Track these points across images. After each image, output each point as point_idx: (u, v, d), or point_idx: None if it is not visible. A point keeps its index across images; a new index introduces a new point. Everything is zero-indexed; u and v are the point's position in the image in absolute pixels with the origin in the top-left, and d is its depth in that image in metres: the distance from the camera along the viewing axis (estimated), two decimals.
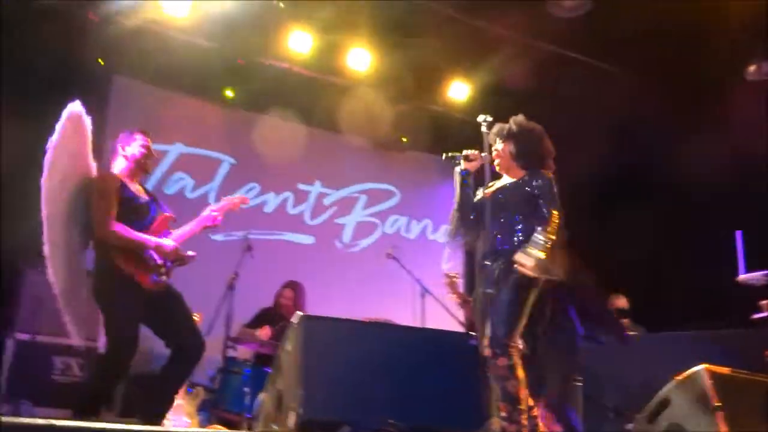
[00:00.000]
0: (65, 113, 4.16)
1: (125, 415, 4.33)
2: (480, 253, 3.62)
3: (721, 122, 6.14)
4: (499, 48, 6.20)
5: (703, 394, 3.18)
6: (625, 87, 6.39)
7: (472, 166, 3.75)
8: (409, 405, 2.48)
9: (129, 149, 4.15)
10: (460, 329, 6.24)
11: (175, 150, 6.89)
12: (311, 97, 7.05)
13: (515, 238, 3.51)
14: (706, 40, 5.62)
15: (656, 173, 6.96)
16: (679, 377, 3.33)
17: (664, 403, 3.32)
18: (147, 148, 4.19)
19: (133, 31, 6.07)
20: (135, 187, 4.16)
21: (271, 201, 7.34)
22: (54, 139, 4.03)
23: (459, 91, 7.00)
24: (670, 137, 6.61)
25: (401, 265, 5.51)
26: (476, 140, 3.74)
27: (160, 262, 3.95)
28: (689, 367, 3.32)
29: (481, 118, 4.06)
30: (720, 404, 3.10)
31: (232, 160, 7.18)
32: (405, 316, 5.87)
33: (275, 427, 2.61)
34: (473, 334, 2.80)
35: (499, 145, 3.73)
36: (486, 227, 3.59)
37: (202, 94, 6.96)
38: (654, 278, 6.74)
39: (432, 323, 5.92)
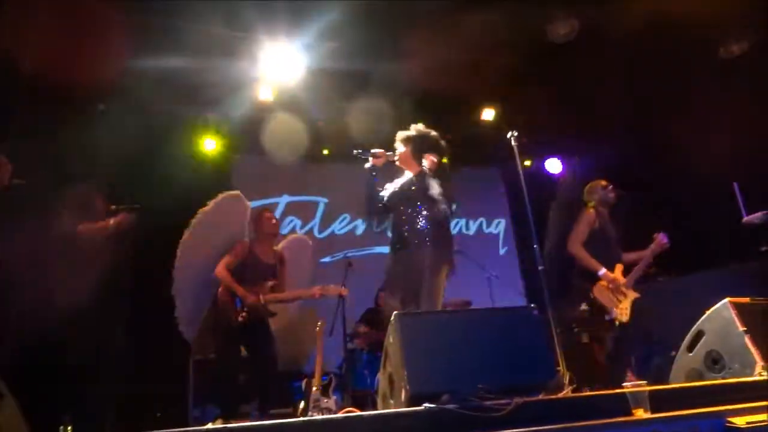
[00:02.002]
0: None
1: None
2: (394, 237, 3.56)
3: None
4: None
5: (731, 321, 3.00)
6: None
7: (379, 162, 3.67)
8: (493, 370, 2.43)
9: (261, 226, 4.57)
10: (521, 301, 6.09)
11: (284, 200, 7.04)
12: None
13: (419, 226, 3.44)
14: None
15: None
16: (709, 311, 3.15)
17: (700, 334, 3.14)
18: (271, 220, 4.61)
19: (239, 118, 6.29)
20: (260, 249, 4.54)
21: (360, 225, 7.38)
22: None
23: None
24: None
25: (470, 258, 5.42)
26: None
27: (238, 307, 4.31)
28: (717, 301, 3.14)
29: (510, 133, 3.99)
30: (745, 328, 2.93)
31: (326, 200, 7.27)
32: (477, 297, 5.80)
33: (392, 401, 2.56)
34: (534, 306, 2.69)
35: (401, 147, 3.65)
36: (396, 215, 3.54)
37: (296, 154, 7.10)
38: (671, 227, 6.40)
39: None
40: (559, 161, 7.75)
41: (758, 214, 4.53)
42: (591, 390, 3.67)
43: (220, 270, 4.36)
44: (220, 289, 4.42)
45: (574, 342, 5.21)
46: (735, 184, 4.67)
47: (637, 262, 4.44)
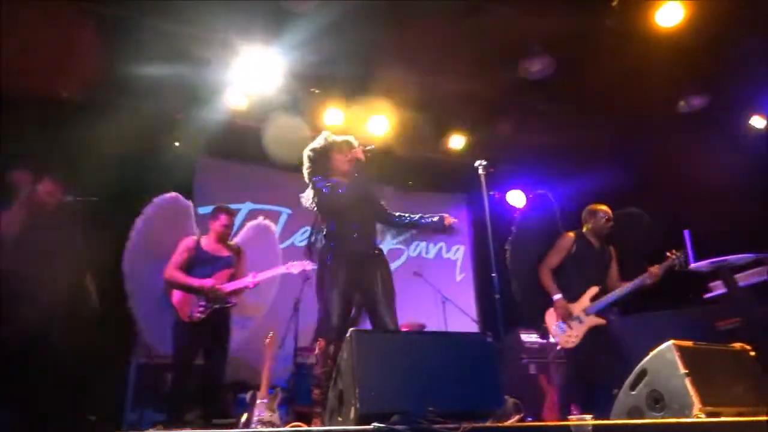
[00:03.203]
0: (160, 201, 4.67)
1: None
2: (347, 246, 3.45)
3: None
4: None
5: (673, 363, 3.10)
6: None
7: None
8: (443, 394, 2.43)
9: (213, 225, 4.58)
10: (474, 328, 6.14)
11: (246, 207, 6.96)
12: None
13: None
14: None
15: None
16: (653, 352, 3.24)
17: (643, 374, 3.22)
18: (225, 227, 4.57)
19: (208, 120, 6.23)
20: (213, 247, 4.51)
21: (321, 239, 7.33)
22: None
23: None
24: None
25: (427, 282, 5.44)
26: None
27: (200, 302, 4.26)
28: (661, 342, 3.24)
29: (477, 162, 4.07)
30: (687, 371, 3.02)
31: (289, 211, 7.22)
32: (431, 320, 5.83)
33: (340, 419, 2.54)
34: (489, 333, 2.73)
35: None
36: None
37: (261, 162, 7.06)
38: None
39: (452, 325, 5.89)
40: (522, 194, 7.91)
41: (705, 262, 4.71)
42: (536, 420, 3.72)
43: (170, 272, 4.33)
44: (175, 290, 4.34)
45: (523, 372, 5.29)
46: (686, 232, 4.85)
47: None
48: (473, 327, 6.76)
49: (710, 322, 4.65)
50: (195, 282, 4.25)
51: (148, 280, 4.82)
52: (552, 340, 4.40)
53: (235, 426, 4.39)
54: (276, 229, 5.95)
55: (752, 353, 3.41)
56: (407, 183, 7.63)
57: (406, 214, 3.66)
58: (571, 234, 4.59)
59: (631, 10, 4.97)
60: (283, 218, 7.18)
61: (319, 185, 3.45)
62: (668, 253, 4.38)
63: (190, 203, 5.27)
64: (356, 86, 6.11)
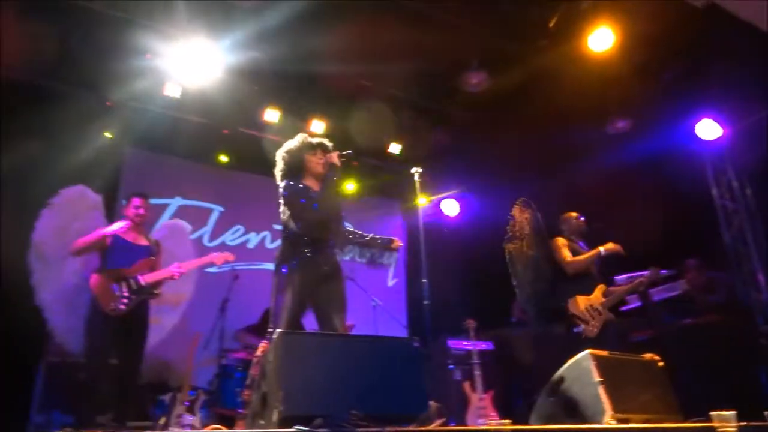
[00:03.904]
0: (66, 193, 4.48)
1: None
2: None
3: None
4: None
5: (589, 371, 3.23)
6: None
7: None
8: (368, 398, 2.43)
9: (126, 211, 4.45)
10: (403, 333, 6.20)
11: (175, 202, 6.73)
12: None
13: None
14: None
15: None
16: (571, 360, 3.37)
17: (561, 381, 3.34)
18: (138, 209, 4.44)
19: (141, 111, 5.99)
20: (134, 238, 4.36)
21: (253, 239, 7.21)
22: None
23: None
24: None
25: (359, 286, 5.44)
26: None
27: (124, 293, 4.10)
28: (578, 352, 3.38)
29: (413, 170, 4.13)
30: (601, 379, 3.16)
31: (221, 208, 7.05)
32: (361, 324, 5.83)
33: (262, 422, 2.50)
34: (415, 337, 2.76)
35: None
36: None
37: (195, 157, 6.86)
38: None
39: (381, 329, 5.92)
40: (456, 202, 8.08)
41: (623, 277, 4.96)
42: (458, 425, 3.78)
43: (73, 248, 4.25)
44: (92, 280, 4.13)
45: (448, 377, 5.38)
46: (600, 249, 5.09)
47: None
48: (403, 332, 6.82)
49: (625, 334, 4.89)
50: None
51: (56, 275, 4.60)
52: (575, 329, 4.40)
53: (151, 429, 4.22)
54: (189, 230, 5.82)
55: (661, 364, 3.62)
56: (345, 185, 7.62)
57: (359, 232, 3.66)
58: (560, 238, 4.70)
59: (567, 32, 5.19)
60: (214, 215, 6.99)
61: (291, 189, 3.36)
62: (651, 269, 4.61)
63: (99, 197, 5.07)
64: (297, 87, 6.07)
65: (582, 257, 4.54)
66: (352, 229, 3.66)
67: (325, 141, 3.56)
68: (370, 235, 3.68)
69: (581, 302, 4.40)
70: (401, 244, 3.71)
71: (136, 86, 5.69)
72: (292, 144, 3.52)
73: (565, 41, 5.27)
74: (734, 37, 4.97)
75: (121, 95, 5.77)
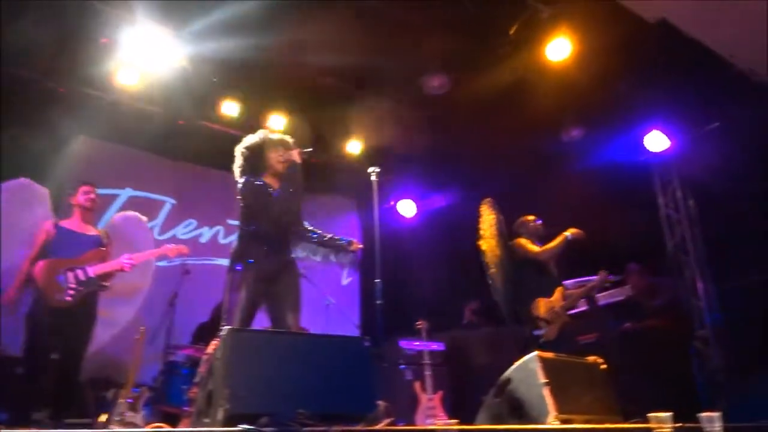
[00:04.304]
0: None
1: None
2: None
3: None
4: None
5: (535, 373, 3.30)
6: None
7: None
8: (316, 396, 2.42)
9: (75, 199, 4.29)
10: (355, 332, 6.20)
11: (125, 193, 6.53)
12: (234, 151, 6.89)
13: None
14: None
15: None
16: (518, 361, 3.44)
17: (508, 382, 3.41)
18: (89, 194, 4.31)
19: (96, 98, 5.78)
20: (82, 228, 4.23)
21: (206, 233, 7.08)
22: None
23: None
24: None
25: (313, 284, 5.40)
26: None
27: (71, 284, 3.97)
28: (527, 353, 3.45)
29: (371, 169, 4.13)
30: (546, 380, 3.23)
31: (173, 201, 6.88)
32: (314, 323, 5.80)
33: (207, 420, 2.45)
34: (367, 336, 2.76)
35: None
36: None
37: (148, 148, 6.67)
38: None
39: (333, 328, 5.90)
40: (413, 203, 8.12)
41: (571, 281, 5.09)
42: (407, 424, 3.81)
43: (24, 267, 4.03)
44: (36, 270, 3.96)
45: (399, 377, 5.40)
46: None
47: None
48: (355, 331, 6.82)
49: (573, 337, 5.02)
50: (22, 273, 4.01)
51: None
52: (535, 332, 4.45)
53: (90, 426, 4.08)
54: (146, 220, 5.68)
55: (603, 366, 3.73)
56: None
57: (319, 231, 3.61)
58: (521, 238, 4.77)
59: (527, 41, 5.29)
60: (166, 208, 6.82)
61: (250, 186, 3.30)
62: (600, 273, 4.74)
63: (46, 190, 4.89)
64: (258, 81, 5.97)
65: (552, 244, 4.63)
66: (310, 228, 3.62)
67: (287, 138, 3.52)
68: (330, 235, 3.65)
69: (543, 305, 4.51)
70: (361, 246, 3.68)
71: (89, 72, 5.50)
72: (252, 139, 3.46)
73: (525, 49, 5.37)
74: (683, 52, 5.16)
75: (74, 81, 5.57)
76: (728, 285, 5.95)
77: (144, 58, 5.36)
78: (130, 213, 5.78)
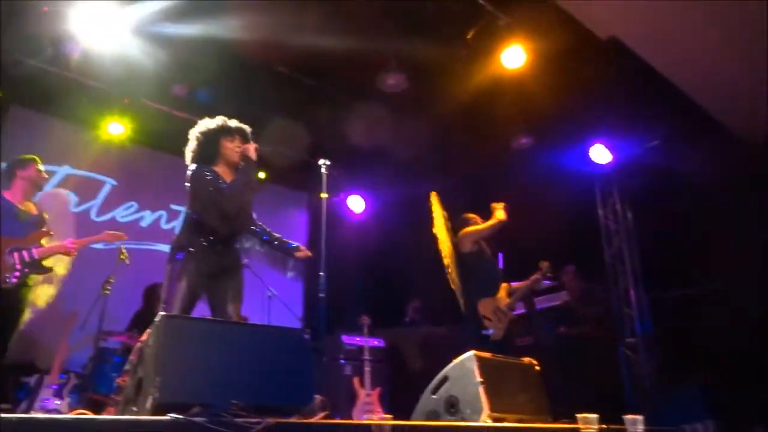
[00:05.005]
0: None
1: None
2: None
3: None
4: None
5: (471, 371, 3.34)
6: None
7: None
8: (252, 388, 2.38)
9: (25, 173, 4.04)
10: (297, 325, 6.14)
11: (63, 171, 6.24)
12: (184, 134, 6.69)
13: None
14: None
15: None
16: (456, 360, 3.48)
17: (445, 380, 3.44)
18: (41, 173, 4.11)
19: (35, 69, 5.48)
20: (24, 205, 4.00)
21: (147, 217, 6.84)
22: None
23: None
24: None
25: (255, 274, 5.30)
26: None
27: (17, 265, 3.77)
28: (463, 353, 3.50)
29: (321, 161, 4.09)
30: (482, 379, 3.28)
31: (114, 182, 6.62)
32: (255, 314, 5.71)
33: (134, 408, 2.37)
34: (307, 329, 2.73)
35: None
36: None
37: (90, 125, 6.38)
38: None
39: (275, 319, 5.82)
40: (361, 199, 8.12)
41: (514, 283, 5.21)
42: (343, 419, 3.80)
43: None
44: None
45: (339, 372, 5.39)
46: (500, 254, 5.32)
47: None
48: (297, 324, 6.75)
49: (512, 338, 5.14)
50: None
51: None
52: (484, 332, 4.47)
53: (10, 413, 3.86)
54: (74, 202, 5.43)
55: (537, 368, 3.83)
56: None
57: (267, 230, 3.53)
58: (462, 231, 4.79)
59: (484, 46, 5.36)
60: (105, 189, 6.56)
61: (200, 174, 3.16)
62: (540, 264, 4.81)
63: None
64: (210, 65, 5.80)
65: (486, 224, 4.71)
66: (260, 225, 3.54)
67: (245, 128, 3.41)
68: (278, 236, 3.57)
69: (489, 303, 4.58)
70: (309, 254, 3.61)
71: (29, 40, 5.21)
72: (208, 125, 3.33)
73: (482, 54, 5.44)
74: (631, 71, 5.36)
75: (11, 49, 5.25)
76: (658, 295, 6.23)
77: (89, 29, 5.11)
78: (61, 190, 5.48)
